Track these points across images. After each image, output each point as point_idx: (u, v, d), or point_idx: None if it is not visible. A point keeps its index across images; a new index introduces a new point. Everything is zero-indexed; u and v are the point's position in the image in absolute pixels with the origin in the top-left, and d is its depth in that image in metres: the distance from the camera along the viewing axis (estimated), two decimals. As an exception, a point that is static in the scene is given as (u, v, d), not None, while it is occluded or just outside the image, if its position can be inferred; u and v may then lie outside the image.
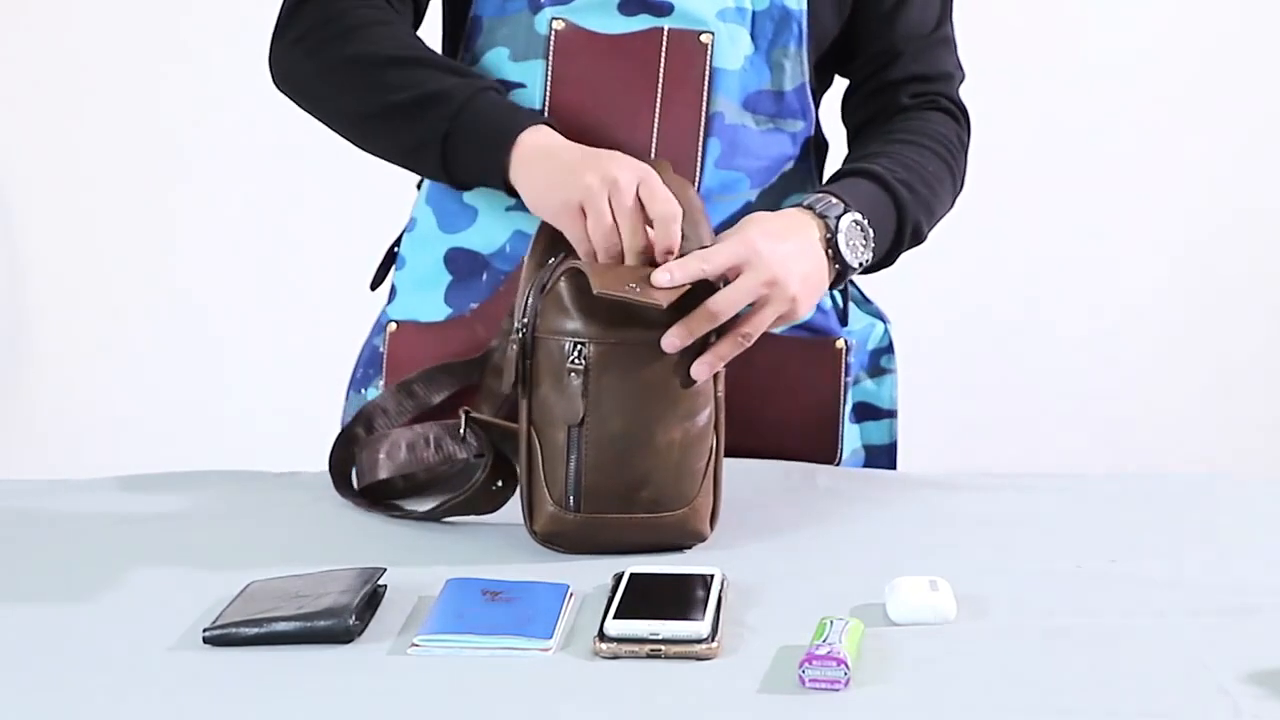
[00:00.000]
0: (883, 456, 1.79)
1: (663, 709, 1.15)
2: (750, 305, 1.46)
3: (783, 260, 1.46)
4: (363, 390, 1.74)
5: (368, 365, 1.75)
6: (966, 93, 1.76)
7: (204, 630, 1.25)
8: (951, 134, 1.71)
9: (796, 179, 1.68)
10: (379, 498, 1.59)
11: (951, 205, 1.71)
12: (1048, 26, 3.17)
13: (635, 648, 1.21)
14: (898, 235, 1.62)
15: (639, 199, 1.45)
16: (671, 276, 1.41)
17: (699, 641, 1.21)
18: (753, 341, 1.45)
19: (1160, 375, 3.24)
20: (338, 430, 1.65)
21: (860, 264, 1.54)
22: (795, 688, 1.16)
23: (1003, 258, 3.19)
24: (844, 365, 1.72)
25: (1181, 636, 1.24)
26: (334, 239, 3.04)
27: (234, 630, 1.25)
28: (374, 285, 1.77)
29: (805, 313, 1.50)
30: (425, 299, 1.70)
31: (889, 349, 1.78)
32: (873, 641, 1.23)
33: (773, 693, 1.16)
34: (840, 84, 1.78)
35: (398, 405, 1.64)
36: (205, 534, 1.51)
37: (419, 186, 1.73)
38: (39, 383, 3.31)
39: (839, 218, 1.52)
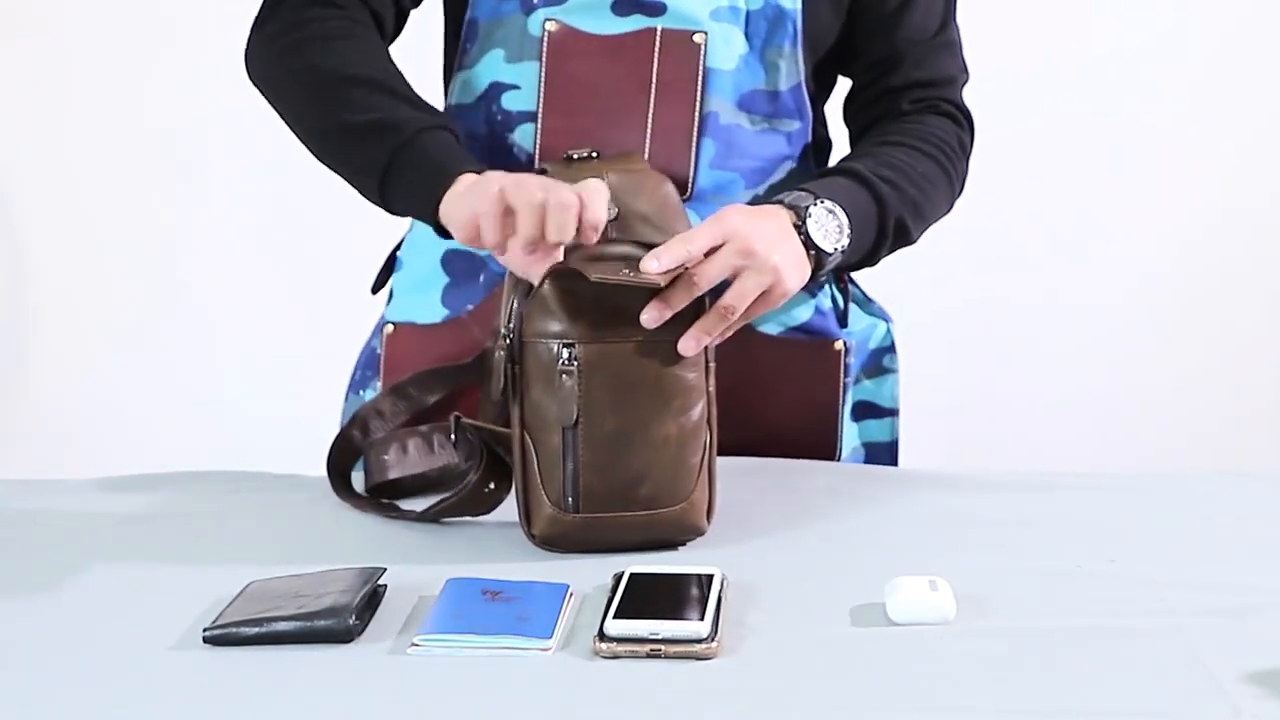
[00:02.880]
0: (884, 454, 1.79)
1: (663, 709, 1.15)
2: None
3: (760, 235, 1.45)
4: (361, 392, 1.75)
5: (365, 367, 1.76)
6: (968, 90, 1.75)
7: (204, 630, 1.25)
8: (949, 136, 1.70)
9: (794, 180, 1.67)
10: (386, 497, 1.59)
11: (949, 206, 1.71)
12: (1044, 19, 3.16)
13: (635, 648, 1.21)
14: (880, 231, 1.61)
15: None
16: (659, 262, 1.41)
17: (699, 641, 1.21)
18: (737, 315, 1.44)
19: (1161, 374, 3.24)
20: (337, 432, 1.65)
21: (836, 248, 1.53)
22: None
23: (1005, 255, 3.19)
24: (843, 366, 1.72)
25: (1181, 636, 1.24)
26: (335, 240, 3.04)
27: (234, 630, 1.25)
28: (375, 289, 1.76)
29: (793, 286, 1.48)
30: (422, 301, 1.70)
31: (891, 349, 1.77)
32: (873, 642, 1.23)
33: (773, 693, 1.16)
34: (844, 84, 1.78)
35: (392, 407, 1.64)
36: (205, 534, 1.51)
37: None
38: (40, 383, 3.31)
39: (808, 207, 1.52)
